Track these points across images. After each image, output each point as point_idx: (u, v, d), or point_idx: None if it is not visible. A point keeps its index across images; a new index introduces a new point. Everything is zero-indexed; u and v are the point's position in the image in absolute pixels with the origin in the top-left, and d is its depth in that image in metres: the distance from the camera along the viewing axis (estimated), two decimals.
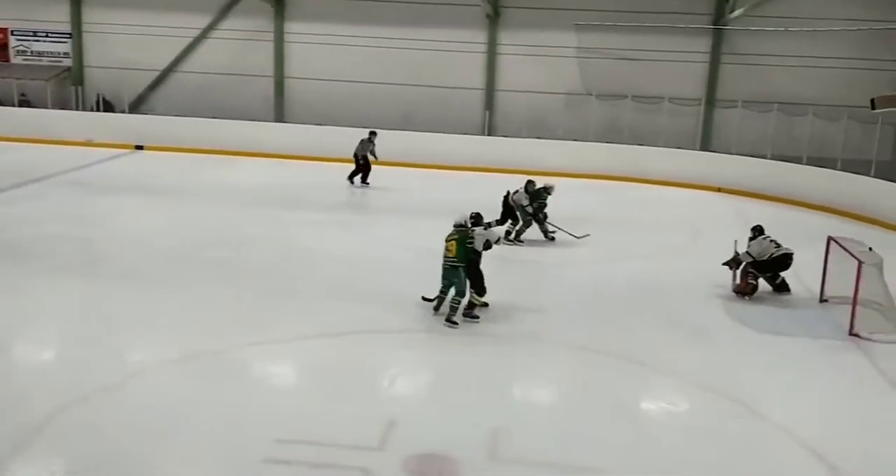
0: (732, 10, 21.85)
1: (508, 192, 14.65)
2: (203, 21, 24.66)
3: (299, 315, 10.24)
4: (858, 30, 20.78)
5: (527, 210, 14.38)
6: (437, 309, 10.21)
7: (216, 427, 7.23)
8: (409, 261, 13.03)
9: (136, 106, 25.04)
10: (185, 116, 23.59)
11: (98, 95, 25.10)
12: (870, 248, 10.68)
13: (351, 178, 19.45)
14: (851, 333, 10.17)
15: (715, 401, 8.36)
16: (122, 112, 24.68)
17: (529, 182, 14.67)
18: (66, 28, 25.37)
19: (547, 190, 14.67)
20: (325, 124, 22.93)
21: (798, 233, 13.88)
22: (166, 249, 13.05)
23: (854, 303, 10.16)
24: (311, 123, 23.22)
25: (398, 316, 10.30)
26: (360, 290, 11.34)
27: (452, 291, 10.06)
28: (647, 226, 13.85)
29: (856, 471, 6.99)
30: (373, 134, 19.51)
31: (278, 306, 10.58)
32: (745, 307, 11.31)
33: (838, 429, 7.90)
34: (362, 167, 19.40)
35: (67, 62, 25.61)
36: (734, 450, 7.35)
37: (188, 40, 24.78)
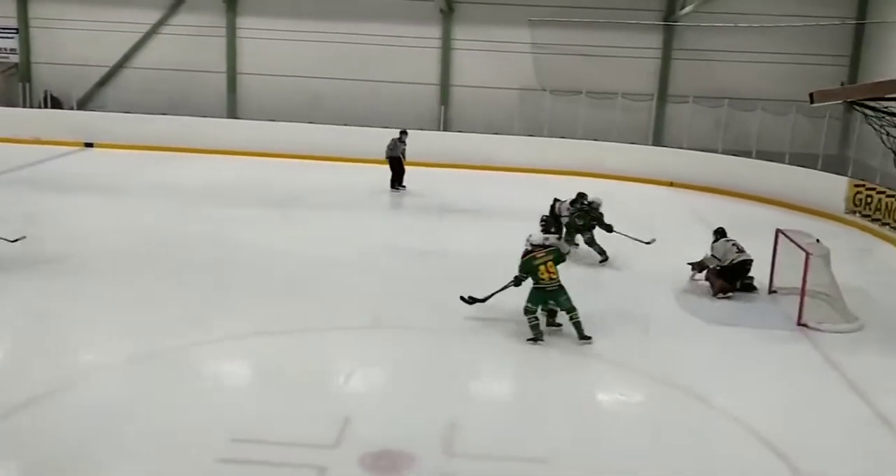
0: (683, 7, 22.12)
1: (555, 201, 13.68)
2: (153, 16, 24.27)
3: (254, 312, 10.15)
4: (805, 26, 21.18)
5: (561, 220, 13.43)
6: (541, 338, 9.44)
7: (169, 428, 7.15)
8: (364, 257, 13.00)
9: (85, 103, 24.57)
10: (136, 113, 23.23)
11: (45, 92, 24.60)
12: (817, 240, 10.91)
13: (392, 184, 18.62)
14: (800, 324, 10.38)
15: (668, 392, 8.49)
16: (71, 109, 24.22)
17: (579, 194, 13.45)
18: (13, 23, 24.81)
19: (591, 204, 13.29)
20: (280, 120, 22.77)
21: (747, 226, 14.13)
22: (118, 249, 12.83)
23: (802, 294, 10.37)
24: (265, 119, 23.03)
25: (353, 312, 10.27)
26: (316, 287, 11.30)
27: (556, 309, 9.72)
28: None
29: (804, 457, 7.14)
30: (403, 133, 18.72)
31: (232, 304, 10.49)
32: (697, 299, 11.48)
33: (788, 418, 8.07)
34: (395, 169, 18.60)
35: (14, 58, 25.04)
36: (687, 440, 7.47)
37: (138, 36, 24.37)
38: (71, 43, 24.30)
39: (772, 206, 18.37)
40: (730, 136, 20.71)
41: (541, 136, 22.49)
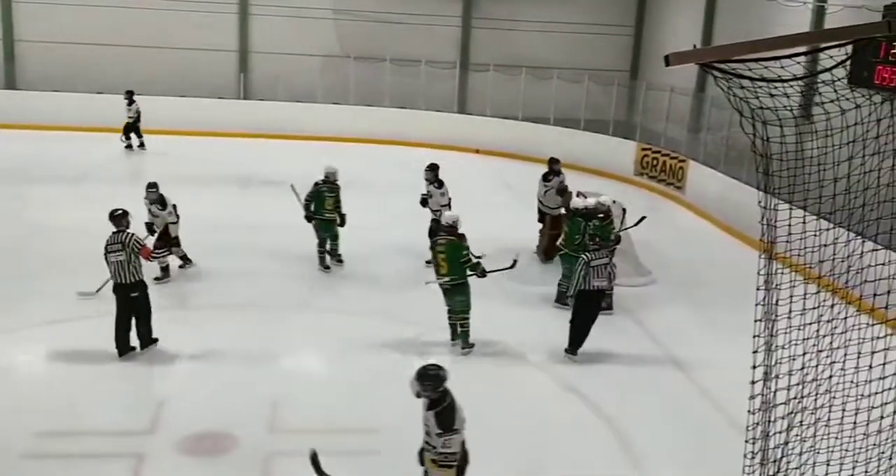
0: None
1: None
2: None
3: (49, 298, 9.53)
4: None
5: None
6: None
7: None
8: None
9: None
10: None
11: None
12: (613, 201, 11.57)
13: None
14: None
15: (479, 348, 8.79)
16: None
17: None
18: None
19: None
20: (65, 91, 21.20)
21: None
22: None
23: None
24: (49, 90, 21.36)
25: (163, 293, 9.85)
26: None
27: None
28: (410, 188, 14.10)
29: (612, 405, 7.66)
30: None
31: (24, 290, 9.77)
32: (500, 263, 11.88)
33: (595, 369, 8.60)
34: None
35: None
36: (510, 397, 7.87)
37: None
38: None
39: (570, 171, 19.22)
40: (529, 103, 21.46)
41: (346, 104, 22.33)
